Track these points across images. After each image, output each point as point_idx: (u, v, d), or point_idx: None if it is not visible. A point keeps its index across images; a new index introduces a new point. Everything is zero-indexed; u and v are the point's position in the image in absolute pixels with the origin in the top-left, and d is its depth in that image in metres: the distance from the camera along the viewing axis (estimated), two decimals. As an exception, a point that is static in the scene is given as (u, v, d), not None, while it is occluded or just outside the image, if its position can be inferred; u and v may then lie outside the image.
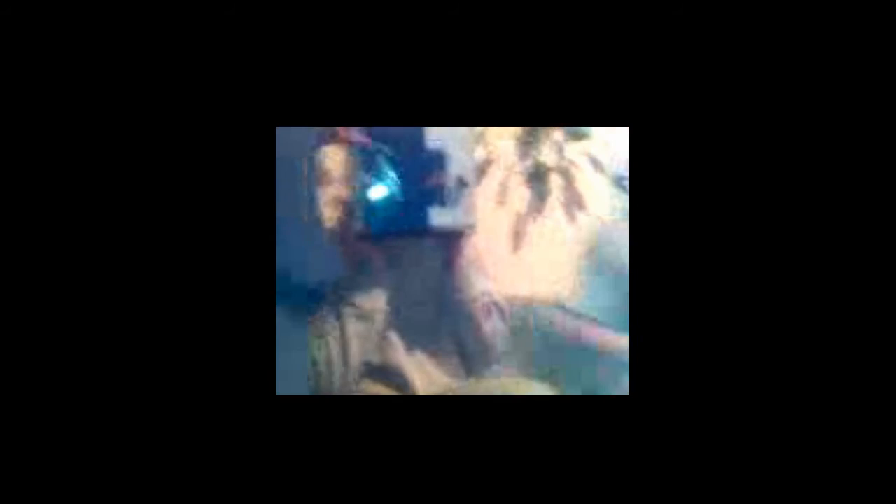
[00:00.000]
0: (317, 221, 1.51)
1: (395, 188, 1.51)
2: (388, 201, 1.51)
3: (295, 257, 1.68)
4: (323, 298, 1.50)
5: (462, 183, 1.55)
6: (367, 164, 1.53)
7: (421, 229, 1.50)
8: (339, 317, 1.45)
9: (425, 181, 1.52)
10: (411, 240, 1.54)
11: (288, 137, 1.39)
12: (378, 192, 1.50)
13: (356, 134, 1.50)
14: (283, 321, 1.49)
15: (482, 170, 1.89)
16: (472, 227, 1.51)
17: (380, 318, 1.47)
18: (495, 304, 1.55)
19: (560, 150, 1.94)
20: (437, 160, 1.54)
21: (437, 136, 1.55)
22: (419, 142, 1.54)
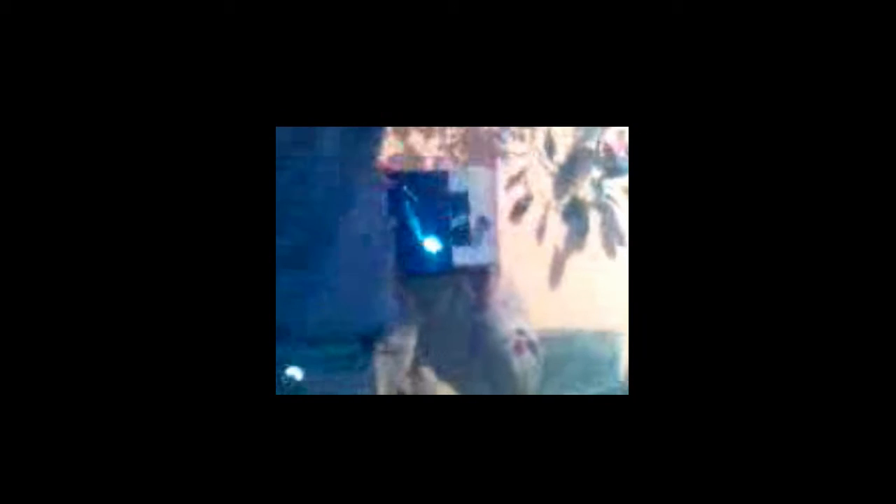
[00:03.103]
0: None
1: (420, 231, 1.54)
2: (415, 244, 1.54)
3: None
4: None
5: (484, 223, 1.57)
6: (393, 209, 1.56)
7: (447, 269, 1.52)
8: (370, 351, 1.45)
9: (449, 223, 1.55)
10: (442, 279, 1.55)
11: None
12: (405, 235, 1.53)
13: (385, 178, 1.53)
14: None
15: (521, 207, 1.88)
16: (495, 264, 1.52)
17: (408, 356, 1.46)
18: (528, 341, 1.52)
19: (598, 186, 1.92)
20: (460, 202, 1.57)
21: (459, 180, 1.58)
22: (442, 185, 1.58)
